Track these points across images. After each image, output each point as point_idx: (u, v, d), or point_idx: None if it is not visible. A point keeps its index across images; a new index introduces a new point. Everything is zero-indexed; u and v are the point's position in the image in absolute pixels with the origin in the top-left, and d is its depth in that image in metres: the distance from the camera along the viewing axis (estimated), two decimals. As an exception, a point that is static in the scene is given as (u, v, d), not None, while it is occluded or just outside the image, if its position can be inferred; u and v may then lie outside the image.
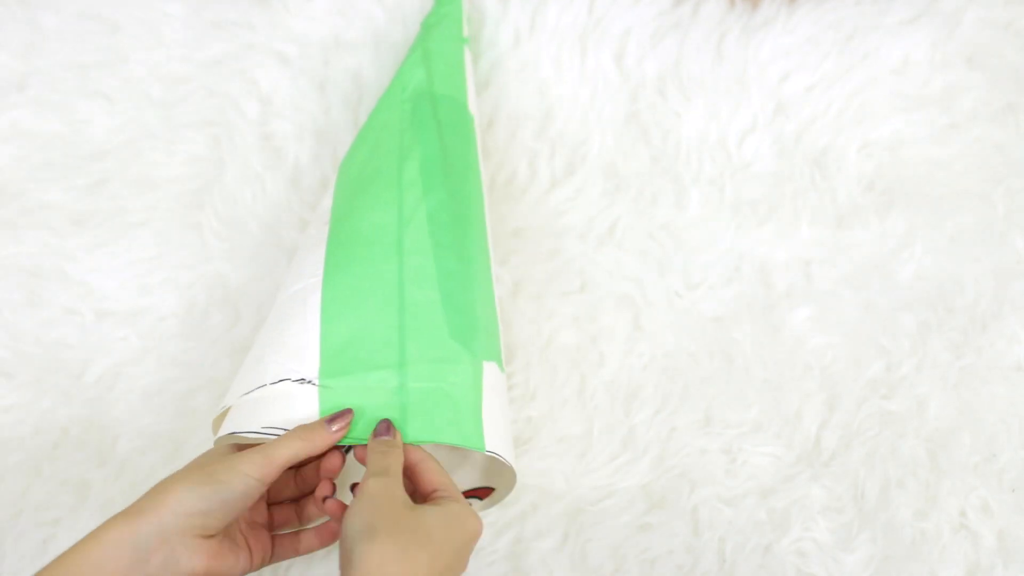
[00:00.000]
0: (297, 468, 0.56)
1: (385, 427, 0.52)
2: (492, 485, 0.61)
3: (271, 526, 0.55)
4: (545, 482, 0.64)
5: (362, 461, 0.51)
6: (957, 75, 0.77)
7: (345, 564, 0.45)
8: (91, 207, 0.73)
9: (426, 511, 0.47)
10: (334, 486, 0.53)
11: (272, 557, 0.53)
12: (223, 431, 0.54)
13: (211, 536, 0.47)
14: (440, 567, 0.46)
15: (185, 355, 0.68)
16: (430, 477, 0.51)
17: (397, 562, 0.44)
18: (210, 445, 0.55)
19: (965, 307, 0.70)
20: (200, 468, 0.48)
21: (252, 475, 0.47)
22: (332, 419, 0.51)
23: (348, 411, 0.52)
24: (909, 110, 0.76)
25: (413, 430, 0.54)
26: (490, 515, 0.63)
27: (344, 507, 0.50)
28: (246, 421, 0.53)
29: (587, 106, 0.77)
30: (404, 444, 0.52)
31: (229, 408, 0.55)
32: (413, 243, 0.61)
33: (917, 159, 0.75)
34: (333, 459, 0.53)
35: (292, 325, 0.57)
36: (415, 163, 0.65)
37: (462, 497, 0.52)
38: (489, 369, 0.59)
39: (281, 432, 0.51)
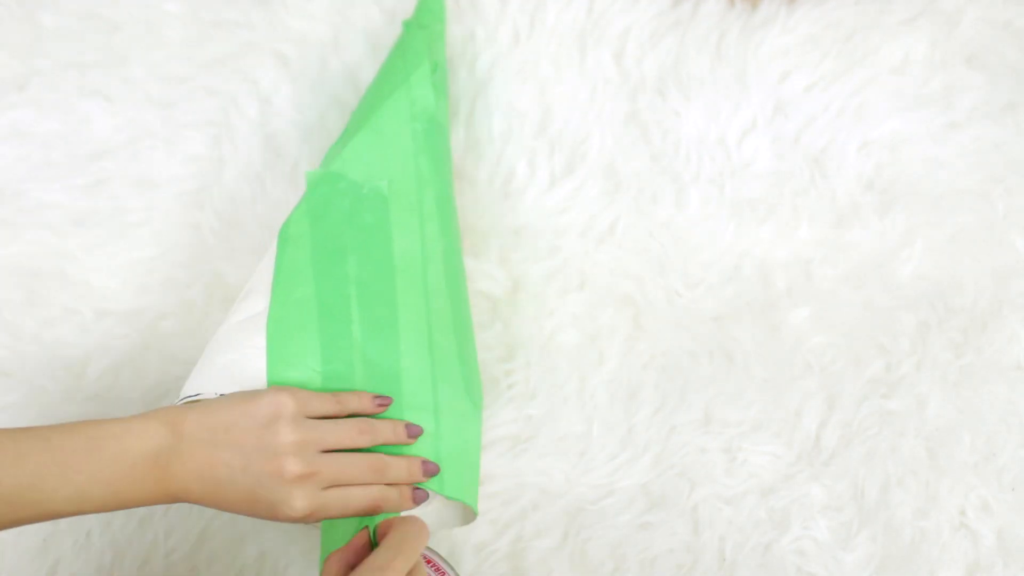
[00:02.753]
0: None
1: (423, 496, 0.54)
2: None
3: None
4: (545, 481, 0.64)
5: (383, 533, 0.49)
6: (957, 75, 0.77)
7: None
8: (91, 207, 0.73)
9: None
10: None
11: None
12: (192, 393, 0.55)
13: None
14: None
15: (185, 354, 0.68)
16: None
17: None
18: None
19: (965, 307, 0.70)
20: (261, 500, 0.49)
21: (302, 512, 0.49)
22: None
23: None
24: (909, 110, 0.76)
25: (449, 486, 0.54)
26: (491, 514, 0.63)
27: None
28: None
29: (586, 105, 0.77)
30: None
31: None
32: (434, 282, 0.60)
33: (917, 158, 0.75)
34: None
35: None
36: (432, 194, 0.63)
37: None
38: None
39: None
